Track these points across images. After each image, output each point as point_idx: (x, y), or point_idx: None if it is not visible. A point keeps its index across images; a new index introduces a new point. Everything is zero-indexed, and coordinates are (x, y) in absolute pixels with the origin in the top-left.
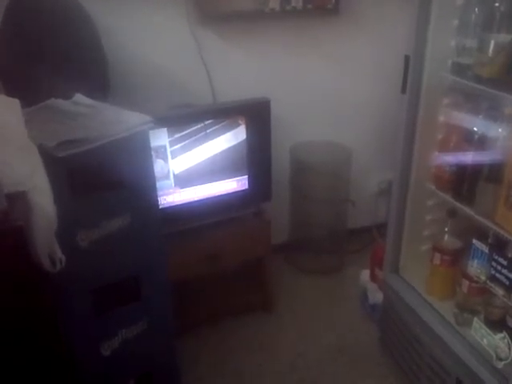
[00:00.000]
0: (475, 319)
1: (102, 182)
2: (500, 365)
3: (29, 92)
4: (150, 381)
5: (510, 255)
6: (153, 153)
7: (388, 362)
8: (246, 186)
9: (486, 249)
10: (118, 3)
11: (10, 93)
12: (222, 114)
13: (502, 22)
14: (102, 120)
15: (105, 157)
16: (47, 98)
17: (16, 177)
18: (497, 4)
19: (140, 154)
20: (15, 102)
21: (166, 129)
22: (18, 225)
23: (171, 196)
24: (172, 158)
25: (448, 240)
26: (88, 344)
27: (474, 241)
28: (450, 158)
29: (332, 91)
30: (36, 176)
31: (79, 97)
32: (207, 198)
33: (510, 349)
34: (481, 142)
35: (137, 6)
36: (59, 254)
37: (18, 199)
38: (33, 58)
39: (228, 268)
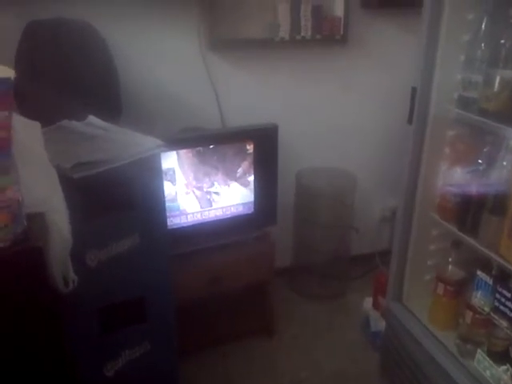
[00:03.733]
0: (478, 351)
1: (113, 203)
2: None
3: (43, 113)
4: None
5: None
6: None
7: None
8: (252, 210)
9: (489, 280)
10: (132, 28)
11: (25, 113)
12: (230, 138)
13: (508, 58)
14: (116, 142)
15: (118, 179)
16: (60, 120)
17: (36, 198)
18: (502, 41)
19: (151, 176)
20: (36, 125)
21: (175, 152)
22: (38, 245)
23: (178, 218)
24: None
25: (452, 270)
26: (92, 364)
27: (478, 272)
28: (455, 189)
29: (339, 119)
30: (54, 197)
31: (92, 119)
32: (213, 221)
33: None
34: (485, 174)
35: (150, 30)
36: (72, 275)
37: (37, 220)
38: (47, 80)
39: (231, 291)
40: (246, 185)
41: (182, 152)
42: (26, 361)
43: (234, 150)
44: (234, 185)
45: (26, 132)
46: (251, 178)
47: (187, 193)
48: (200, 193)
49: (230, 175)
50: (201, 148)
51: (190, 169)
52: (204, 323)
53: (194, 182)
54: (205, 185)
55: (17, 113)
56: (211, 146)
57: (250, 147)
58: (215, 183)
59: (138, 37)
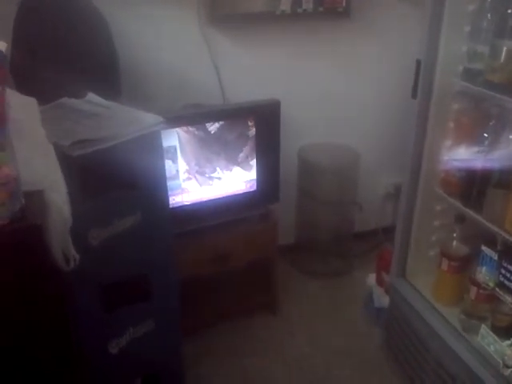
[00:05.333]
0: (482, 326)
1: (114, 182)
2: (507, 372)
3: (41, 91)
4: (156, 380)
5: None
6: None
7: (392, 366)
8: (255, 188)
9: (494, 255)
10: (131, 5)
11: (23, 91)
12: (232, 114)
13: None
14: (116, 120)
15: (118, 156)
16: (60, 97)
17: (33, 175)
18: (509, 11)
19: (152, 154)
20: (33, 102)
21: (175, 129)
22: (36, 222)
23: (180, 196)
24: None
25: (456, 246)
26: (96, 341)
27: (483, 247)
28: (460, 163)
29: (341, 94)
30: (52, 175)
31: (92, 96)
32: (215, 199)
33: None
34: (491, 148)
35: (149, 7)
36: (73, 253)
37: (35, 197)
38: (46, 57)
39: (235, 268)
40: (248, 169)
41: (184, 137)
42: (28, 341)
43: (236, 134)
44: (237, 169)
45: (23, 109)
46: (253, 162)
47: (189, 178)
48: (202, 178)
49: (232, 160)
50: (202, 132)
51: (192, 154)
52: (208, 301)
53: (196, 168)
54: (207, 170)
55: (14, 90)
56: (212, 132)
57: (251, 124)
58: (217, 168)
59: (137, 13)
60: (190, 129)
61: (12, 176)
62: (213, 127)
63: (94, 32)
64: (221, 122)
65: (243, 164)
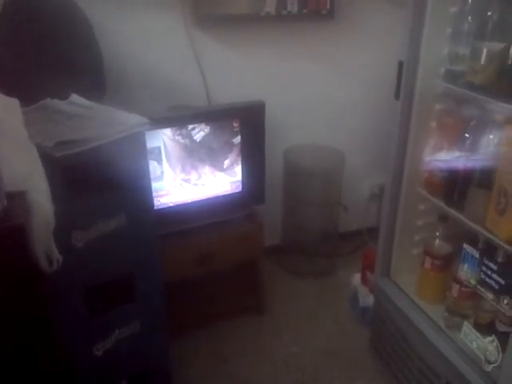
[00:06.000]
0: (465, 323)
1: (98, 183)
2: (489, 368)
3: (24, 92)
4: (142, 381)
5: (499, 260)
6: None
7: (378, 365)
8: (240, 189)
9: (476, 253)
10: (116, 5)
11: (5, 92)
12: (216, 116)
13: (495, 31)
14: (99, 121)
15: (101, 157)
16: (42, 99)
17: (16, 176)
18: (489, 13)
19: (136, 154)
20: (15, 102)
21: (160, 130)
22: (19, 223)
23: (165, 198)
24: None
25: (439, 244)
26: (81, 343)
27: (465, 245)
28: (442, 164)
29: (326, 95)
30: (35, 176)
31: (75, 97)
32: (200, 200)
33: (498, 352)
34: (472, 148)
35: (133, 8)
36: (56, 254)
37: (17, 198)
38: (28, 58)
39: (221, 270)
40: (233, 175)
41: (169, 145)
42: (11, 342)
43: (221, 140)
44: (221, 175)
45: (5, 109)
46: (238, 169)
47: (175, 186)
48: (188, 185)
49: (217, 166)
50: (187, 140)
51: (178, 162)
52: (194, 302)
53: (181, 175)
54: (192, 177)
55: None
56: (198, 140)
57: (236, 125)
58: (202, 175)
59: (122, 14)
60: (176, 137)
61: None
62: (198, 135)
63: (77, 33)
64: (206, 129)
65: (228, 171)
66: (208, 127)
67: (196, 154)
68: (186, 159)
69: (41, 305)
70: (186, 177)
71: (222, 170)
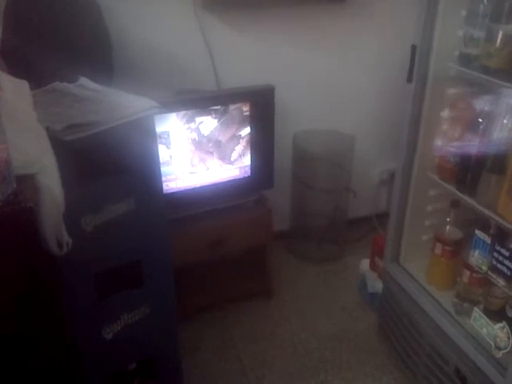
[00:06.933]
0: (475, 309)
1: (107, 167)
2: (499, 354)
3: (33, 75)
4: (151, 365)
5: (511, 246)
6: None
7: (386, 350)
8: (249, 174)
9: (487, 239)
10: None
11: (15, 76)
12: (226, 100)
13: (511, 13)
14: (108, 104)
15: (111, 141)
16: (51, 82)
17: (26, 159)
18: None
19: (145, 138)
20: (24, 84)
21: (169, 114)
22: (28, 206)
23: (173, 182)
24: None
25: (450, 230)
26: (90, 327)
27: (477, 231)
28: (454, 149)
29: (336, 79)
30: (45, 158)
31: (84, 80)
32: (209, 185)
33: (509, 338)
34: (485, 133)
35: None
36: (66, 238)
37: (27, 181)
38: (37, 41)
39: (230, 254)
40: (241, 167)
41: (178, 139)
42: (20, 326)
43: (229, 135)
44: (229, 167)
45: (15, 91)
46: (246, 160)
47: (183, 172)
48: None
49: (225, 159)
50: (195, 133)
51: (186, 156)
52: (203, 287)
53: (189, 169)
54: (200, 170)
55: (5, 73)
56: (206, 134)
57: (246, 109)
58: (210, 168)
59: None
60: (185, 130)
61: (3, 159)
62: (206, 126)
63: (86, 17)
64: (214, 120)
65: (236, 163)
66: (217, 113)
67: (204, 147)
68: (194, 152)
69: (50, 287)
70: (194, 170)
71: (229, 162)
